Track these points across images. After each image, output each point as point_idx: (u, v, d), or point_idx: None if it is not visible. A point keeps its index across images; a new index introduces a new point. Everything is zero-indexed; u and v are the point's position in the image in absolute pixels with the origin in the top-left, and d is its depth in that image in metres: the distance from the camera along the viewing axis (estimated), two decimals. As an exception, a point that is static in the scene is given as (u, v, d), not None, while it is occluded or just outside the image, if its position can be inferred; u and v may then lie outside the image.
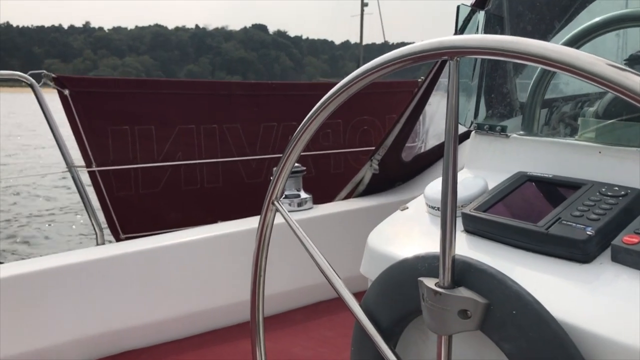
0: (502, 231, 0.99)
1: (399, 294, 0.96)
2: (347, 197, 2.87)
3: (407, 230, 1.20)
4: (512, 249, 0.97)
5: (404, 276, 0.95)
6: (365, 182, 2.79)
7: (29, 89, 2.42)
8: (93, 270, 2.03)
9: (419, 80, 3.70)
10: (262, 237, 1.12)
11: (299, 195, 2.67)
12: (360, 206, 2.65)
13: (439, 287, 0.82)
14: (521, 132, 1.32)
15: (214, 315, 2.26)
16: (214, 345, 2.16)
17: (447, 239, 0.79)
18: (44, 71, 2.47)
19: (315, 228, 2.47)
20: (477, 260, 0.86)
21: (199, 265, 2.23)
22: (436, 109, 2.86)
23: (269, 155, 3.11)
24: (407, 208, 1.27)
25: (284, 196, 2.67)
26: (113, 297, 2.06)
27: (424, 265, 0.92)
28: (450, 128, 0.77)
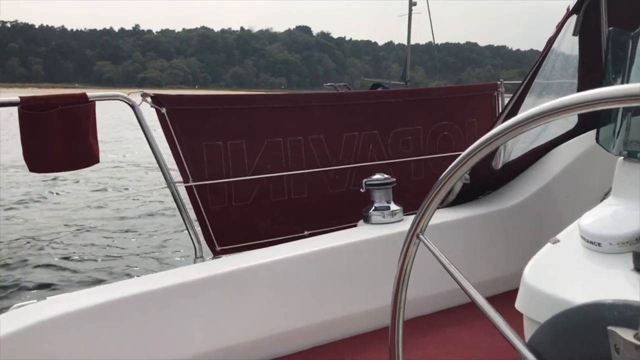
0: None
1: (580, 341, 0.93)
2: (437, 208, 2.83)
3: (567, 268, 1.16)
4: None
5: (587, 324, 0.92)
6: (455, 192, 2.74)
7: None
8: (200, 288, 2.08)
9: (498, 82, 3.62)
10: (403, 270, 1.10)
11: (389, 207, 2.67)
12: (458, 217, 2.61)
13: None
14: None
15: (318, 330, 2.29)
16: None
17: None
18: (143, 91, 2.54)
19: None
20: None
21: (301, 281, 2.26)
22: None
23: (351, 165, 3.11)
24: (559, 241, 1.24)
25: (374, 208, 2.67)
26: (220, 313, 2.11)
27: (612, 313, 0.88)
28: None
